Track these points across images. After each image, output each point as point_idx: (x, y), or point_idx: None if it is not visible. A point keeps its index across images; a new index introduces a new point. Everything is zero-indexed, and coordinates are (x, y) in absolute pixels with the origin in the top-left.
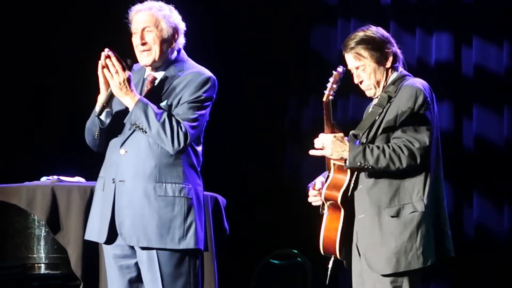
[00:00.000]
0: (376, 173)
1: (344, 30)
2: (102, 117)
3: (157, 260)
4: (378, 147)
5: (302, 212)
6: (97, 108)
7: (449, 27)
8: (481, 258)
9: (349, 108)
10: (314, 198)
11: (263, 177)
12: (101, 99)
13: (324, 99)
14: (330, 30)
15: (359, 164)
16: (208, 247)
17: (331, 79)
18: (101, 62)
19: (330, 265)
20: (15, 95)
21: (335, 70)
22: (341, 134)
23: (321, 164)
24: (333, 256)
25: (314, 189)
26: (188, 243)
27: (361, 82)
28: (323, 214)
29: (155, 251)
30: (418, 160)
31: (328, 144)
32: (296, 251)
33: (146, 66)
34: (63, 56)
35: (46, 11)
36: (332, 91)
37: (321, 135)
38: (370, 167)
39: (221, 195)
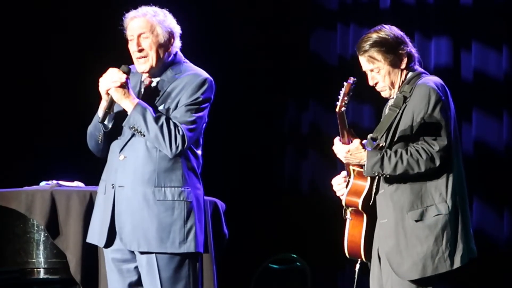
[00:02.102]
0: (397, 177)
1: (344, 34)
2: (105, 121)
3: (156, 264)
4: (395, 154)
5: (302, 216)
6: (100, 114)
7: (448, 31)
8: (480, 263)
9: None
10: (339, 187)
11: (262, 181)
12: (102, 105)
13: (337, 110)
14: (330, 34)
15: (376, 173)
16: (208, 251)
17: (342, 91)
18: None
19: (357, 268)
20: (14, 99)
21: (346, 81)
22: (356, 144)
23: (321, 168)
24: (359, 259)
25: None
26: (189, 247)
27: (376, 84)
28: (346, 220)
29: (154, 255)
30: (438, 163)
31: (342, 157)
32: (295, 256)
33: (144, 73)
34: (62, 60)
35: (46, 14)
36: (344, 102)
37: (335, 146)
38: (388, 175)
39: (220, 199)
